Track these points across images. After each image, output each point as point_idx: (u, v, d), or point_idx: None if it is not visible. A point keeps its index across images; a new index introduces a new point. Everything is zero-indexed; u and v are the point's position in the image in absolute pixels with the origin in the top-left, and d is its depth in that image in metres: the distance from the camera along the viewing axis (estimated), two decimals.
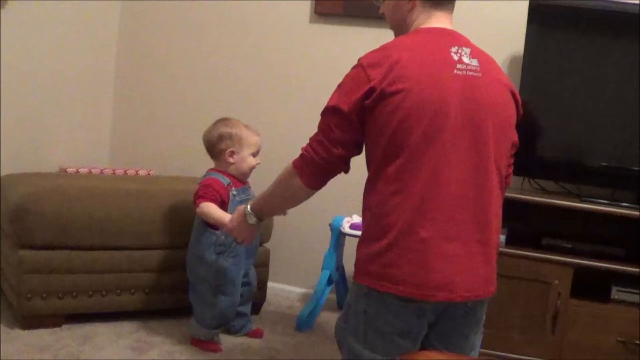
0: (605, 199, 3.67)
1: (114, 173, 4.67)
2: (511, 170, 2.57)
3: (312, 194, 2.46)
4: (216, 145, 3.71)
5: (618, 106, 3.76)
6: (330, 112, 2.32)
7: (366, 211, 2.35)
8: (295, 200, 2.52)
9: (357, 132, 2.30)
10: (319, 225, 4.52)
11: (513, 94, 2.42)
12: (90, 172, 4.59)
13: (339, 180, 4.47)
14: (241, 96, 4.84)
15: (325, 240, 4.27)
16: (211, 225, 3.59)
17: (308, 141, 2.41)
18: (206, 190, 3.59)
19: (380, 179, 2.27)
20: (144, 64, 5.08)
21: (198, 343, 3.68)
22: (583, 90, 3.78)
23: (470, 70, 2.29)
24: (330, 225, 4.19)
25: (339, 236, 4.18)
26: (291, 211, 4.55)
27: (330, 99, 2.33)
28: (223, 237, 3.55)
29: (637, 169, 3.71)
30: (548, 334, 3.61)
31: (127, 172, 4.74)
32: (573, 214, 3.71)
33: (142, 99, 5.09)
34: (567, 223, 3.93)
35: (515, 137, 2.48)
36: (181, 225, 3.92)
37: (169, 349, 3.61)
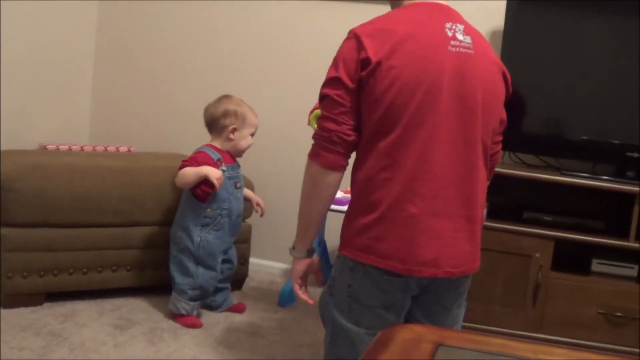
0: (585, 173, 3.68)
1: (94, 150, 4.64)
2: (499, 147, 2.57)
3: (333, 178, 2.33)
4: (219, 120, 3.77)
5: (598, 80, 3.76)
6: (331, 84, 2.29)
7: (354, 185, 2.33)
8: (320, 191, 2.36)
9: (357, 103, 2.27)
10: (299, 200, 4.51)
11: (503, 72, 2.43)
12: (70, 149, 4.57)
13: None
14: (221, 72, 4.82)
15: None
16: (198, 198, 3.65)
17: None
18: (188, 162, 3.65)
19: (370, 154, 2.27)
20: (123, 40, 5.04)
21: (179, 318, 3.69)
22: (563, 64, 3.78)
23: (464, 47, 2.29)
24: None
25: None
26: (272, 186, 4.59)
27: (329, 72, 2.30)
28: (209, 210, 3.64)
29: (618, 142, 3.72)
30: (529, 307, 3.63)
31: (107, 149, 4.72)
32: (554, 187, 3.72)
33: (122, 76, 5.06)
34: (547, 196, 3.94)
35: (503, 114, 2.49)
36: (162, 202, 3.92)
37: (151, 326, 3.61)
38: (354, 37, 2.25)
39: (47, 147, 4.53)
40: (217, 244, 3.73)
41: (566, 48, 3.77)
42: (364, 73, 2.21)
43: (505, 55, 3.75)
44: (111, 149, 4.73)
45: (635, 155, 3.68)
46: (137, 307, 3.83)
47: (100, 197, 3.77)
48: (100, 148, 4.70)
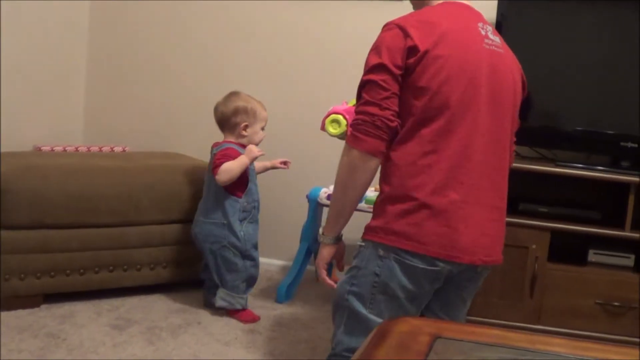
0: (580, 163, 3.68)
1: (88, 150, 4.64)
2: (514, 148, 2.63)
3: (373, 164, 2.32)
4: (231, 118, 3.82)
5: (591, 70, 3.76)
6: (375, 70, 2.28)
7: (392, 170, 2.32)
8: (357, 178, 2.33)
9: (400, 90, 2.29)
10: (296, 196, 4.52)
11: (522, 75, 2.54)
12: (65, 150, 4.57)
13: (316, 151, 4.49)
14: (215, 71, 4.82)
15: (302, 211, 4.26)
16: (233, 193, 3.74)
17: (355, 115, 2.35)
18: (224, 159, 3.71)
19: (412, 140, 2.28)
20: (116, 40, 5.04)
21: (236, 314, 3.79)
22: (556, 56, 3.78)
23: (495, 46, 2.39)
24: (307, 196, 4.18)
25: (316, 207, 4.17)
26: (269, 183, 4.59)
27: (371, 60, 2.30)
28: (245, 203, 3.76)
29: (612, 132, 3.72)
30: (527, 298, 3.63)
31: (102, 149, 4.72)
32: (549, 178, 3.73)
33: (116, 76, 5.06)
34: (543, 188, 3.94)
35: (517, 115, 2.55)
36: (158, 201, 3.92)
37: (149, 325, 3.60)
38: (397, 27, 2.28)
39: (41, 148, 4.53)
40: (255, 235, 3.86)
41: (559, 40, 3.77)
42: (411, 61, 2.25)
43: None
44: (106, 149, 4.73)
45: (630, 145, 3.68)
46: (135, 307, 3.83)
47: (96, 197, 3.77)
48: (94, 148, 4.70)
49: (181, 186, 4.02)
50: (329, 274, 2.55)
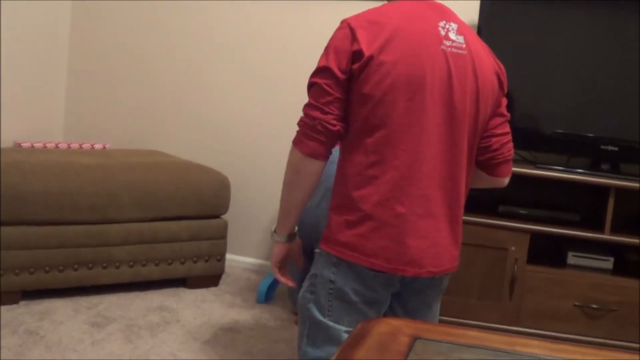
0: (560, 166, 3.70)
1: (69, 147, 4.63)
2: (507, 139, 2.53)
3: (314, 167, 2.29)
4: None
5: (572, 73, 3.78)
6: (320, 73, 2.25)
7: (339, 179, 2.31)
8: (301, 179, 2.31)
9: (346, 95, 2.26)
10: (276, 196, 4.52)
11: (497, 72, 2.42)
12: (45, 146, 4.55)
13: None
14: (194, 69, 4.81)
15: None
16: None
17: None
18: None
19: (357, 149, 2.25)
20: (97, 37, 5.02)
21: None
22: (537, 58, 3.79)
23: (456, 47, 2.28)
24: None
25: None
26: (249, 182, 4.58)
27: (320, 61, 2.27)
28: None
29: (592, 135, 3.74)
30: (506, 300, 3.64)
31: (82, 146, 4.70)
32: (529, 181, 3.74)
33: (96, 73, 5.04)
34: (523, 190, 3.96)
35: (503, 110, 2.48)
36: (138, 198, 3.91)
37: (128, 323, 3.59)
38: (348, 27, 2.23)
39: (21, 144, 4.51)
40: None
41: (540, 42, 3.79)
42: (355, 66, 2.19)
43: None
44: (86, 146, 4.72)
45: (610, 148, 3.70)
46: (114, 305, 3.82)
47: (76, 194, 3.75)
48: (75, 145, 4.68)
49: (161, 184, 4.00)
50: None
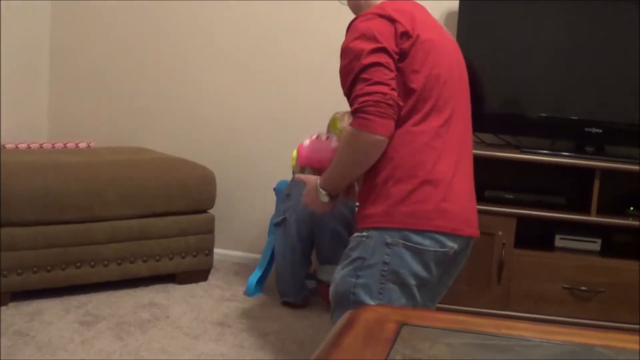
0: (545, 149, 3.70)
1: (53, 147, 4.61)
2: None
3: (383, 146, 2.26)
4: None
5: (555, 56, 3.78)
6: (378, 52, 2.24)
7: (391, 152, 2.29)
8: (369, 159, 2.29)
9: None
10: (263, 189, 4.52)
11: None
12: (29, 147, 4.54)
13: (283, 145, 4.49)
14: (175, 65, 4.80)
15: (270, 204, 4.26)
16: None
17: (353, 99, 2.26)
18: None
19: (408, 121, 2.29)
20: (78, 35, 5.00)
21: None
22: (519, 42, 3.80)
23: (447, 33, 2.48)
24: (274, 189, 4.18)
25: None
26: (237, 176, 4.58)
27: (367, 45, 2.25)
28: None
29: (576, 118, 3.74)
30: (494, 285, 3.65)
31: (66, 145, 4.69)
32: (514, 165, 3.75)
33: (79, 72, 5.02)
34: (508, 175, 3.96)
35: None
36: (124, 195, 3.90)
37: (118, 320, 3.59)
38: (380, 16, 2.29)
39: (5, 146, 4.50)
40: None
41: (522, 26, 3.79)
42: (405, 45, 2.27)
43: (461, 36, 3.76)
44: (71, 145, 4.71)
45: (594, 130, 3.71)
46: (103, 303, 3.81)
47: (61, 193, 3.74)
48: (59, 145, 4.67)
49: (147, 180, 4.00)
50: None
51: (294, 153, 2.78)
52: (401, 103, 2.24)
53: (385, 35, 2.25)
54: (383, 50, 2.23)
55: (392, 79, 2.23)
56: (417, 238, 2.25)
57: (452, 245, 2.31)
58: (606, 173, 3.62)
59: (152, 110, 4.84)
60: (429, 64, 2.28)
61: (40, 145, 4.62)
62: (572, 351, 1.47)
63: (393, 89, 2.21)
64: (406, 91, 2.28)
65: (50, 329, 3.44)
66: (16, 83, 4.80)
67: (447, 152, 2.31)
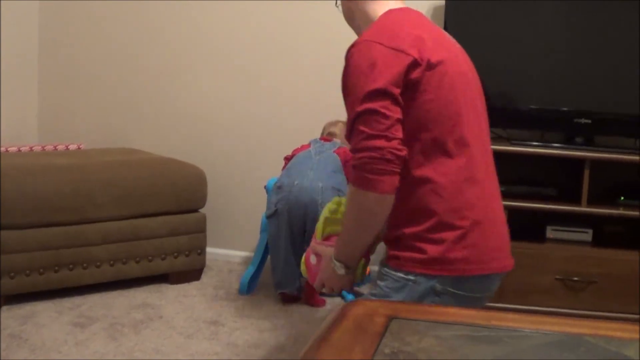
0: (535, 141, 3.71)
1: (43, 149, 4.60)
2: None
3: (390, 202, 2.08)
4: None
5: (543, 48, 3.79)
6: (371, 97, 2.03)
7: (432, 197, 2.11)
8: (377, 218, 2.11)
9: (403, 111, 2.07)
10: (254, 187, 4.51)
11: None
12: (19, 150, 4.53)
13: (273, 142, 4.48)
14: (164, 64, 4.79)
15: (261, 202, 4.25)
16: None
17: (351, 150, 2.09)
18: None
19: (436, 157, 2.11)
20: (67, 38, 4.99)
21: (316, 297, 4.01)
22: (507, 35, 3.80)
23: (453, 42, 2.28)
24: (265, 187, 4.17)
25: None
26: (228, 174, 4.58)
27: (364, 85, 2.05)
28: None
29: (566, 109, 3.75)
30: None
31: (57, 147, 4.68)
32: (504, 157, 3.74)
33: (68, 73, 5.01)
34: (499, 167, 3.94)
35: None
36: (115, 196, 3.90)
37: (111, 321, 3.59)
38: (381, 45, 2.08)
39: None
40: None
41: (510, 19, 3.79)
42: (413, 75, 2.06)
43: (449, 29, 3.76)
44: (61, 147, 4.70)
45: (583, 121, 3.72)
46: (96, 304, 3.81)
47: (52, 195, 3.74)
48: (49, 147, 4.66)
49: (138, 181, 3.99)
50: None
51: (302, 266, 2.55)
52: (403, 153, 2.03)
53: (389, 65, 2.05)
54: (378, 92, 2.03)
55: (390, 126, 2.02)
56: (466, 284, 2.13)
57: (494, 286, 2.23)
58: (596, 163, 3.63)
59: (142, 110, 4.84)
60: (446, 87, 2.09)
61: (31, 147, 4.61)
62: (561, 340, 1.47)
63: (392, 139, 2.02)
64: (421, 122, 2.10)
65: (44, 331, 3.44)
66: (5, 85, 4.79)
67: (481, 181, 2.15)
